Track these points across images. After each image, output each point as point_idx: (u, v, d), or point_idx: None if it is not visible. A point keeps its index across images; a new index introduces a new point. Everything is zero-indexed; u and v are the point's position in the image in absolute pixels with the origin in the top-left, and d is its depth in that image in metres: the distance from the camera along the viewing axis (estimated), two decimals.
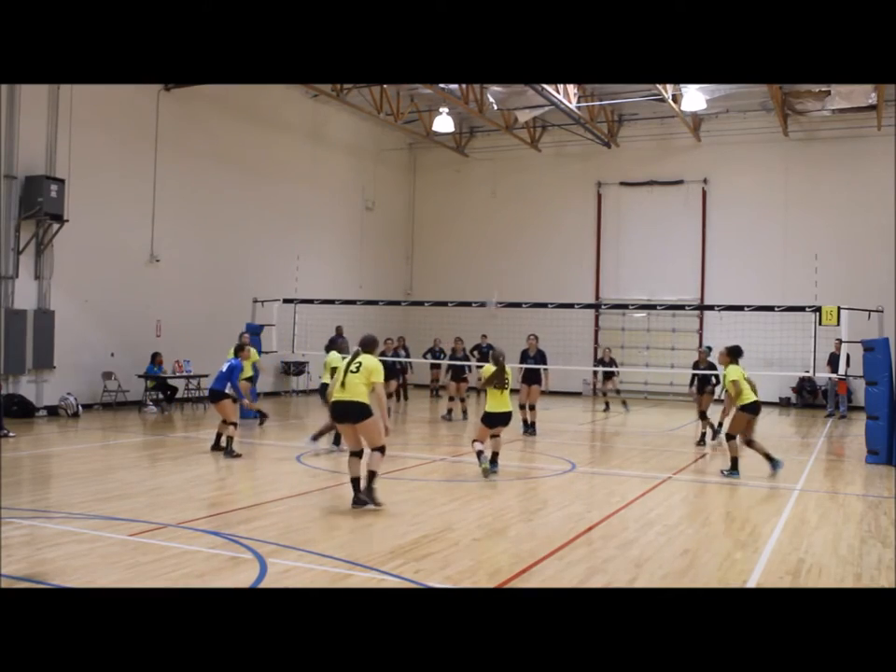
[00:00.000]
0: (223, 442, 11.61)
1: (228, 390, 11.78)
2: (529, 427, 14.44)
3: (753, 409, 10.82)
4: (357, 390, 8.09)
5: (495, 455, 10.50)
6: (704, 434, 14.11)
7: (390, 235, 26.61)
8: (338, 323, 19.51)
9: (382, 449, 8.23)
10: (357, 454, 8.30)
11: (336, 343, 12.15)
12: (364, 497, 8.09)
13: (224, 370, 11.90)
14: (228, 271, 19.65)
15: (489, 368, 10.50)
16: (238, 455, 11.34)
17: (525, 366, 14.63)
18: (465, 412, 17.07)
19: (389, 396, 16.33)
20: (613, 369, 19.50)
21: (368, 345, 8.46)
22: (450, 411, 16.85)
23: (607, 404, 20.13)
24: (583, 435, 15.86)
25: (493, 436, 10.51)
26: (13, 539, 6.50)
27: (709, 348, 15.39)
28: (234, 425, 11.67)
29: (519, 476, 10.66)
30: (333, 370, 11.15)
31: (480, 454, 10.28)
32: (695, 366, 15.00)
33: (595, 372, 19.82)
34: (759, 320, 17.55)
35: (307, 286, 20.58)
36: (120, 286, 17.13)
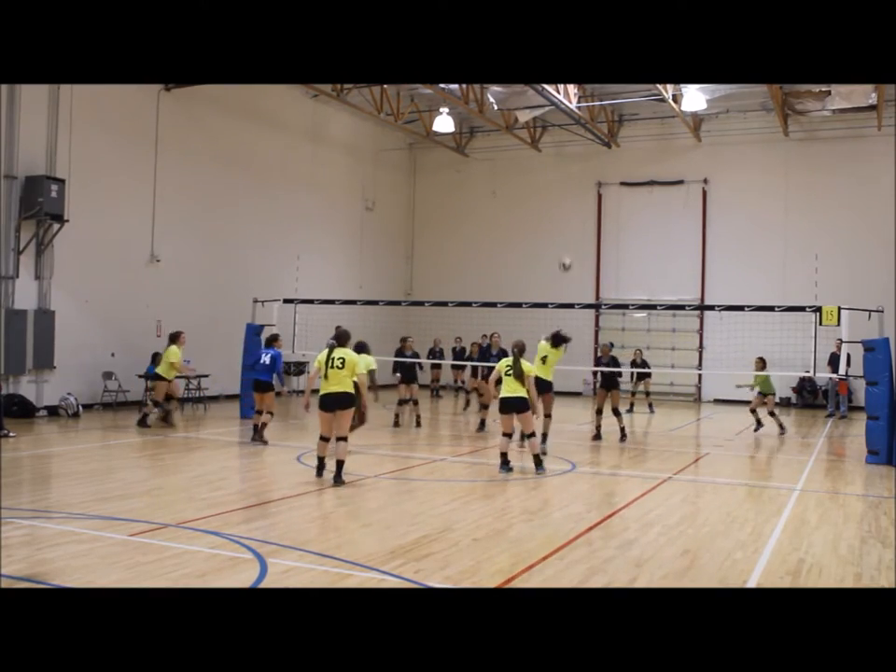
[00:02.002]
0: (263, 431, 12.55)
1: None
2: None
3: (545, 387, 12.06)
4: (345, 382, 9.20)
5: (503, 454, 10.49)
6: (599, 428, 14.27)
7: (390, 235, 26.61)
8: (338, 323, 19.49)
9: (346, 438, 9.38)
10: (327, 438, 9.46)
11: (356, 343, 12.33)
12: (335, 479, 9.24)
13: (267, 361, 12.61)
14: (228, 271, 19.65)
15: (505, 361, 10.71)
16: (266, 443, 12.36)
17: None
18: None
19: (407, 401, 15.43)
20: (647, 370, 19.40)
21: (342, 339, 9.53)
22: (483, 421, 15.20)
23: (632, 405, 19.78)
24: (583, 435, 15.85)
25: (505, 434, 10.47)
26: (13, 539, 6.50)
27: (612, 344, 15.31)
28: (272, 414, 12.63)
29: (519, 476, 10.65)
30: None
31: (503, 456, 10.43)
32: (597, 361, 15.03)
33: (632, 374, 19.59)
34: (759, 320, 17.54)
35: (307, 286, 20.58)
36: (120, 286, 17.13)
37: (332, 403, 9.24)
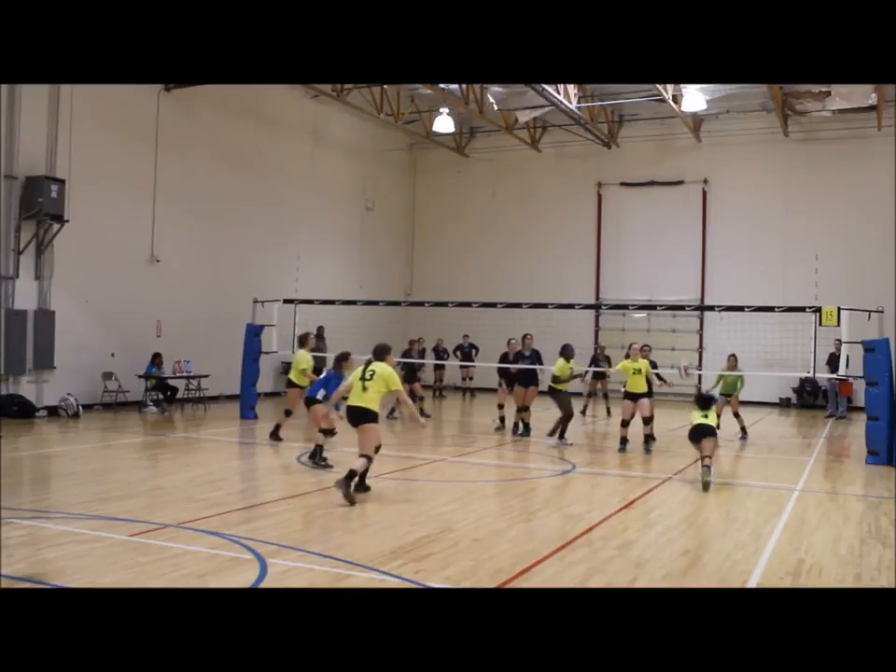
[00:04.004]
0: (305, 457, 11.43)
1: (321, 396, 11.07)
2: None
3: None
4: (367, 397, 8.52)
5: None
6: (524, 424, 14.37)
7: (390, 235, 26.61)
8: (339, 323, 19.50)
9: (368, 457, 8.55)
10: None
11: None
12: (342, 488, 8.27)
13: (322, 376, 11.51)
14: (228, 271, 19.65)
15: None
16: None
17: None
18: (527, 425, 14.54)
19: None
20: (603, 369, 18.69)
21: (380, 353, 8.88)
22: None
23: (585, 408, 18.91)
24: (583, 435, 15.85)
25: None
26: (13, 539, 6.50)
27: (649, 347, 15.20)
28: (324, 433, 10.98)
29: (519, 476, 10.65)
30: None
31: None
32: (504, 357, 15.26)
33: (586, 372, 18.69)
34: (759, 321, 17.54)
35: (307, 286, 20.58)
36: (120, 286, 17.13)
37: (350, 417, 8.74)
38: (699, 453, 10.12)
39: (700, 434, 10.10)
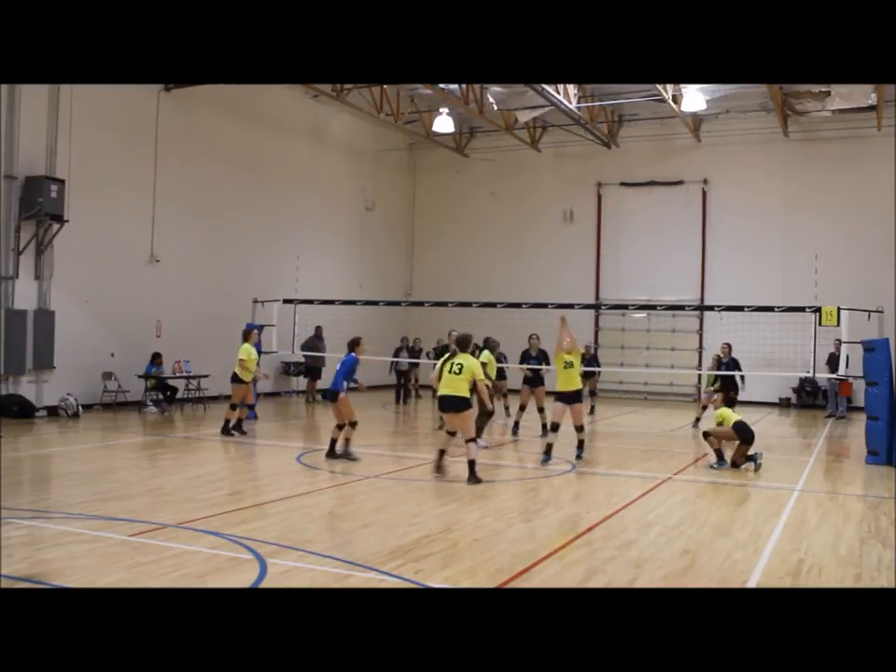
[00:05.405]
0: (338, 448, 11.16)
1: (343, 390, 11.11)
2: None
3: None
4: (460, 386, 9.62)
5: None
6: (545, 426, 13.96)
7: (390, 235, 26.61)
8: (338, 322, 19.49)
9: (473, 440, 9.72)
10: (452, 433, 9.97)
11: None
12: (469, 479, 9.52)
13: (338, 366, 11.29)
14: (228, 271, 19.64)
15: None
16: (356, 459, 10.96)
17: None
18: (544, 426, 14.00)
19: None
20: (594, 368, 18.70)
21: (465, 345, 9.98)
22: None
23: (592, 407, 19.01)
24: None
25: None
26: (13, 539, 6.50)
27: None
28: (353, 425, 11.07)
29: (519, 476, 10.65)
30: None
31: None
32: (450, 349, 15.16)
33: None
34: (759, 320, 17.54)
35: (307, 286, 20.57)
36: (120, 286, 17.12)
37: (445, 405, 9.82)
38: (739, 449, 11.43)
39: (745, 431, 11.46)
